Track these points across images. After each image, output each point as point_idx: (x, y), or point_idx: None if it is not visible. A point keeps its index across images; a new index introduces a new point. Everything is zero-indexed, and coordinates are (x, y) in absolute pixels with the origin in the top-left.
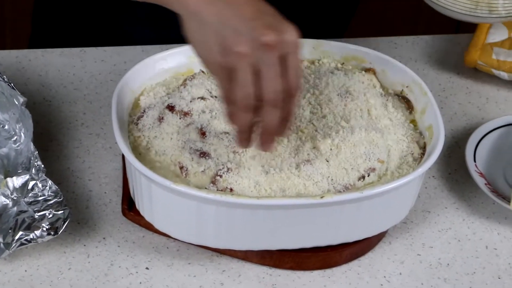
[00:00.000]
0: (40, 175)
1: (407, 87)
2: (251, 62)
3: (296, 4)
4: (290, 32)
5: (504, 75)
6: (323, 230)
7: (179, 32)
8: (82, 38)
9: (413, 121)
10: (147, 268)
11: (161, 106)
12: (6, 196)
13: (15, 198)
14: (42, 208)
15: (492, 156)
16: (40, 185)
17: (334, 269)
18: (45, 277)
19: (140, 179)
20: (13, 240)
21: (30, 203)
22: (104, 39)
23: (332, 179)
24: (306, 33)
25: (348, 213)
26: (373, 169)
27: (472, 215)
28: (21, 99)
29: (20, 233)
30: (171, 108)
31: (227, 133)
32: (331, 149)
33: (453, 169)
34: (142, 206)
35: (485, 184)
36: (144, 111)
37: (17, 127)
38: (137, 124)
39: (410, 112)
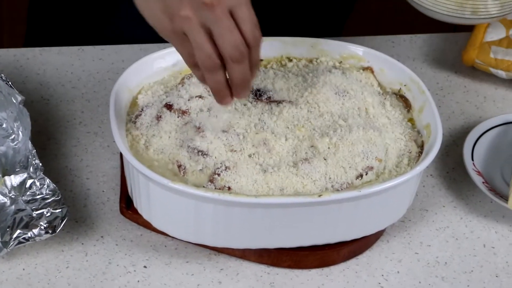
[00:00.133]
0: (38, 174)
1: (405, 85)
2: (198, 23)
3: (292, 3)
4: None
5: (502, 73)
6: (321, 228)
7: None
8: (78, 36)
9: (411, 120)
10: (145, 267)
11: (159, 104)
12: (4, 195)
13: (13, 196)
14: (40, 206)
15: (490, 155)
16: (38, 183)
17: (332, 267)
18: (43, 276)
19: (138, 177)
20: (11, 238)
21: (28, 202)
22: (102, 37)
23: (330, 178)
24: (303, 32)
25: (346, 211)
26: (371, 168)
27: (470, 214)
28: (19, 98)
29: (18, 231)
30: (169, 106)
31: (225, 131)
32: (329, 148)
33: (451, 167)
34: (140, 204)
35: (483, 182)
36: (142, 109)
37: (15, 126)
38: (135, 122)
39: (408, 111)
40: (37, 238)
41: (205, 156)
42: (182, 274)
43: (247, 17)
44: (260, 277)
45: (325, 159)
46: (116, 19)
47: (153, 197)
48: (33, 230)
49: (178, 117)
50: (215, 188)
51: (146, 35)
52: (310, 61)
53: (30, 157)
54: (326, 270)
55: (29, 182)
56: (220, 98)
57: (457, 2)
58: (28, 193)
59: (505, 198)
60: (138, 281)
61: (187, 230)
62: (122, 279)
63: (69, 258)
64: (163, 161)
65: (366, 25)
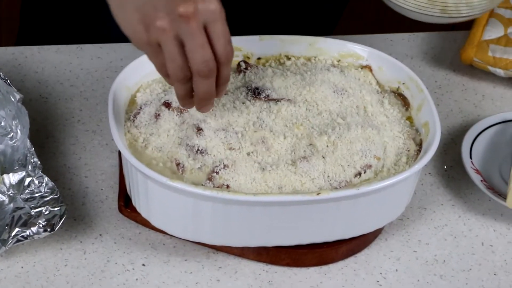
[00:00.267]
0: (36, 172)
1: (403, 84)
2: (173, 35)
3: (282, 3)
4: (208, 1)
5: (500, 72)
6: (320, 226)
7: None
8: (75, 34)
9: (409, 118)
10: (143, 265)
11: (157, 103)
12: (3, 193)
13: (11, 194)
14: (38, 204)
15: (488, 153)
16: (36, 181)
17: (331, 265)
18: (41, 274)
19: (137, 175)
20: (9, 236)
21: (26, 200)
22: (100, 36)
23: (328, 176)
24: (295, 30)
25: (344, 209)
26: (369, 166)
27: (468, 212)
28: (18, 96)
29: (17, 229)
30: (167, 105)
31: (224, 129)
32: (327, 146)
33: (449, 166)
34: (139, 202)
35: (481, 181)
36: (141, 108)
37: (14, 124)
38: (133, 121)
39: (406, 109)
40: (36, 236)
41: (203, 154)
42: (180, 272)
43: (221, 34)
44: (259, 275)
45: (323, 157)
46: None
47: (152, 195)
48: (32, 228)
49: (176, 115)
50: (214, 186)
51: None
52: (309, 59)
53: (28, 155)
54: (324, 268)
55: (28, 180)
56: (183, 104)
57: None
58: (26, 191)
59: (503, 196)
60: (137, 279)
61: (186, 228)
62: (121, 277)
63: (67, 256)
64: (162, 159)
65: (365, 24)
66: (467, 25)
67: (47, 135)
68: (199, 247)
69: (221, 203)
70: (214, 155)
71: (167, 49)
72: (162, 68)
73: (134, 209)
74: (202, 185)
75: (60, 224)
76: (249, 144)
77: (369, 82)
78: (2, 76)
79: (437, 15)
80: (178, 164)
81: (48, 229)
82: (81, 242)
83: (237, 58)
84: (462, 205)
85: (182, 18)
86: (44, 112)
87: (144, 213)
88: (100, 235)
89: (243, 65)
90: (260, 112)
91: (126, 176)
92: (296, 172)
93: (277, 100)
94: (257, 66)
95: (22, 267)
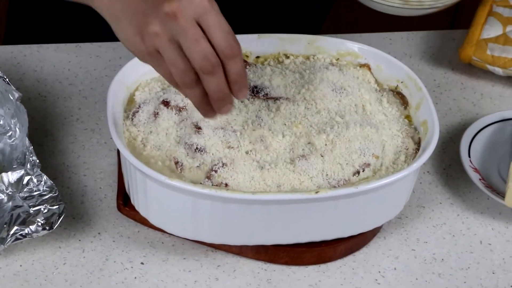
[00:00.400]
0: (35, 170)
1: (402, 82)
2: (167, 38)
3: (268, 2)
4: None
5: (498, 70)
6: (318, 225)
7: None
8: (75, 33)
9: (408, 117)
10: (142, 263)
11: (156, 101)
12: (1, 191)
13: (10, 193)
14: (37, 203)
15: (487, 152)
16: (35, 180)
17: (329, 264)
18: (40, 272)
19: (135, 174)
20: (8, 235)
21: (25, 198)
22: (99, 35)
23: (327, 174)
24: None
25: (343, 208)
26: (368, 164)
27: (467, 210)
28: (16, 94)
29: (15, 228)
30: (166, 103)
31: (223, 128)
32: (326, 145)
33: (448, 164)
34: (137, 201)
35: (480, 179)
36: (139, 106)
37: (12, 122)
38: (132, 119)
39: (405, 108)
40: (34, 235)
41: (202, 152)
42: (179, 270)
43: (216, 24)
44: (257, 274)
45: (322, 156)
46: None
47: (150, 193)
48: (30, 227)
49: (175, 114)
50: (212, 185)
51: None
52: (307, 58)
53: (27, 153)
54: (323, 266)
55: (26, 178)
56: (204, 112)
57: None
58: (25, 189)
59: (501, 195)
60: (135, 278)
61: (184, 227)
62: (119, 275)
63: (66, 255)
64: (160, 157)
65: (363, 22)
66: (465, 24)
67: (46, 134)
68: (197, 245)
69: (219, 202)
70: (212, 154)
71: (166, 55)
72: (170, 78)
73: (132, 208)
74: (201, 183)
75: (58, 223)
76: (247, 142)
77: (368, 81)
78: (0, 75)
79: (398, 6)
80: (176, 163)
81: (47, 228)
82: (79, 240)
83: None
84: (461, 203)
85: (169, 17)
86: (43, 110)
87: (142, 212)
88: (99, 233)
89: None
90: (259, 110)
91: (125, 174)
92: (295, 170)
93: (275, 99)
94: (255, 65)
95: (20, 266)
